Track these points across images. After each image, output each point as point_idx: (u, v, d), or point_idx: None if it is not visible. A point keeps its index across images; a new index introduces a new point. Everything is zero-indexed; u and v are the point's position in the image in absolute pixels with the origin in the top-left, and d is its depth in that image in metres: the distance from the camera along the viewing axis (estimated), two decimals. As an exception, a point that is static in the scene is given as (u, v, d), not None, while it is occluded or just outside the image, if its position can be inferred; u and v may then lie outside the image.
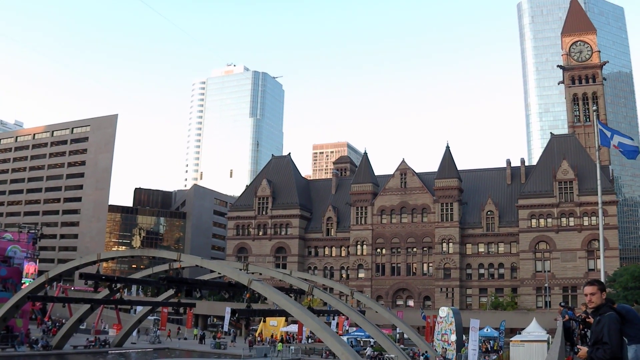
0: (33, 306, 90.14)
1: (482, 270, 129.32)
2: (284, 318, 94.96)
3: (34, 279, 76.14)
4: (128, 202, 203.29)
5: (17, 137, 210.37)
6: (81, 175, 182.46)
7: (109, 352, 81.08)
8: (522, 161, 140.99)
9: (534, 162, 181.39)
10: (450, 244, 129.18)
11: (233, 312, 76.07)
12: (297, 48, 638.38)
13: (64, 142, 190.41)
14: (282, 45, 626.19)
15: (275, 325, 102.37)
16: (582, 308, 18.01)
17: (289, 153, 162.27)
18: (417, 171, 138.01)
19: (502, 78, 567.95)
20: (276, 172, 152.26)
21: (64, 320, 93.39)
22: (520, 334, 65.15)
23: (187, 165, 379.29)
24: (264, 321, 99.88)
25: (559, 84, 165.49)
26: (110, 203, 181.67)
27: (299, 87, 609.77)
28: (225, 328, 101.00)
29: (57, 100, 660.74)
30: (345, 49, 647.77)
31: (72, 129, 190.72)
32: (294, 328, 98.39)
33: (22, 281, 77.61)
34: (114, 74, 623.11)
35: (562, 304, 29.13)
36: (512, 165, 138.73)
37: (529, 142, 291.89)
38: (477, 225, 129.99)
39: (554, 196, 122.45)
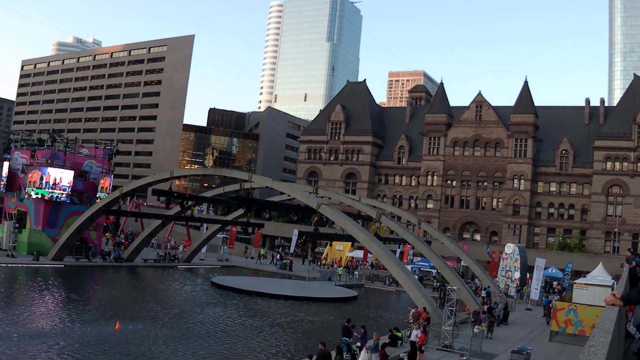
0: (107, 220, 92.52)
1: (551, 210, 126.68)
2: (350, 243, 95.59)
3: (108, 194, 77.96)
4: (202, 122, 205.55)
5: (95, 55, 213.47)
6: (157, 94, 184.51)
7: (178, 266, 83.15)
8: (602, 101, 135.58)
9: (615, 103, 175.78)
10: (522, 181, 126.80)
11: (300, 234, 76.96)
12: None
13: (141, 62, 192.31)
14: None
15: (341, 250, 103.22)
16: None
17: (364, 79, 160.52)
18: (493, 104, 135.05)
19: (587, 14, 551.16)
20: (350, 98, 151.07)
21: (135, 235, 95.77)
22: (585, 277, 64.15)
23: (261, 88, 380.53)
24: (330, 245, 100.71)
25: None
26: (184, 122, 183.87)
27: (377, 14, 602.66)
28: (292, 250, 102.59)
29: (135, 20, 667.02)
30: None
31: (149, 48, 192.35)
32: (359, 254, 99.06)
33: (97, 195, 79.52)
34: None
35: (630, 249, 28.43)
36: (591, 104, 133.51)
37: (611, 82, 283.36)
38: (551, 164, 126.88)
39: (632, 140, 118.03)
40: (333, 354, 27.43)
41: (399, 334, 36.64)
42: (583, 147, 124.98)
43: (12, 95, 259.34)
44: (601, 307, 41.49)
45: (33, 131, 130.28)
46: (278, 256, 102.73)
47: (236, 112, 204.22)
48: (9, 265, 63.03)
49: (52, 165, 74.85)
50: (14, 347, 30.89)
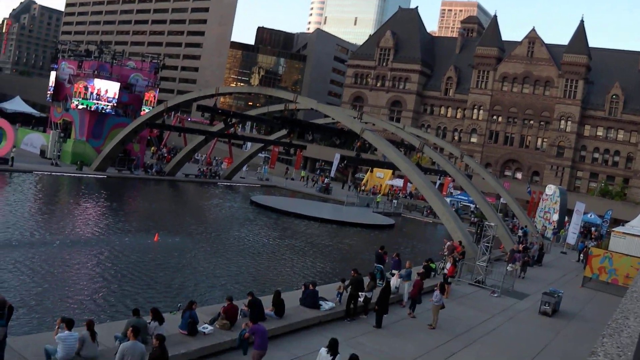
0: (150, 133, 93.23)
1: (596, 155, 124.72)
2: (390, 171, 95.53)
3: (153, 107, 78.33)
4: (250, 40, 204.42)
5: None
6: (206, 10, 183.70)
7: (218, 183, 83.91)
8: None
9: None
10: (569, 122, 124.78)
11: (342, 158, 77.00)
12: None
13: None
14: None
15: (381, 177, 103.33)
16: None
17: (417, 7, 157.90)
18: (545, 42, 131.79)
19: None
20: (401, 25, 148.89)
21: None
22: (623, 225, 63.47)
23: (311, 9, 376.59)
24: (371, 172, 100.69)
25: None
26: (232, 40, 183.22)
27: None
28: (333, 174, 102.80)
29: None
30: None
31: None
32: (399, 182, 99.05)
33: (142, 108, 79.90)
34: None
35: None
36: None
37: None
38: (600, 108, 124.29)
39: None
40: (366, 280, 27.60)
41: (433, 266, 36.73)
42: (635, 94, 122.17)
43: (61, 6, 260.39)
44: (637, 258, 41.30)
45: (81, 42, 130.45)
46: (325, 180, 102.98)
47: (285, 32, 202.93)
48: (53, 173, 64.00)
49: (98, 76, 75.20)
50: (55, 253, 31.55)
